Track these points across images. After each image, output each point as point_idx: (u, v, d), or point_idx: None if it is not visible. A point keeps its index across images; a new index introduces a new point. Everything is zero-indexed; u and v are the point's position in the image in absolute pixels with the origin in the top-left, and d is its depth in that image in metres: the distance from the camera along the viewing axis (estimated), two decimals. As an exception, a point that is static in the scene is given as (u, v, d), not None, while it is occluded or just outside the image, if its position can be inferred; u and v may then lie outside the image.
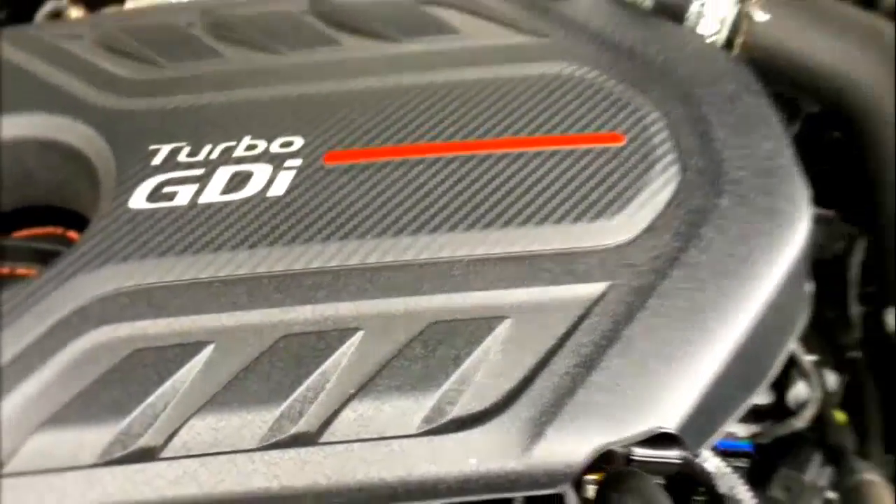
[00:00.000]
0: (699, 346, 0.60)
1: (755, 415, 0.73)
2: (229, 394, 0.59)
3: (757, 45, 0.83)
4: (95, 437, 0.58)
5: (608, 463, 0.60)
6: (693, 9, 0.85)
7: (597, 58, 0.76)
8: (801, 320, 0.68)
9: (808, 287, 0.69)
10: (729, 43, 0.84)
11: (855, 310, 0.78)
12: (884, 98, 0.76)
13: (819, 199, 0.76)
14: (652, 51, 0.77)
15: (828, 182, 0.79)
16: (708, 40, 0.83)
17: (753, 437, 0.72)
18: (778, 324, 0.65)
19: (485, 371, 0.60)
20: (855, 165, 0.79)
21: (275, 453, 0.58)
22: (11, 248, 0.76)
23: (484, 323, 0.61)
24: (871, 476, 0.63)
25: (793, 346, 0.69)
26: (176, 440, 0.58)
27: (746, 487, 0.63)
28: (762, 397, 0.73)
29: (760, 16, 0.83)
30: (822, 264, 0.78)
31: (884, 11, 0.86)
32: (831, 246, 0.81)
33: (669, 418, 0.58)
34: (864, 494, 0.61)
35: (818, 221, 0.76)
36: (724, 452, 0.69)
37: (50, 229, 0.77)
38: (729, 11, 0.83)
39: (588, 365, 0.59)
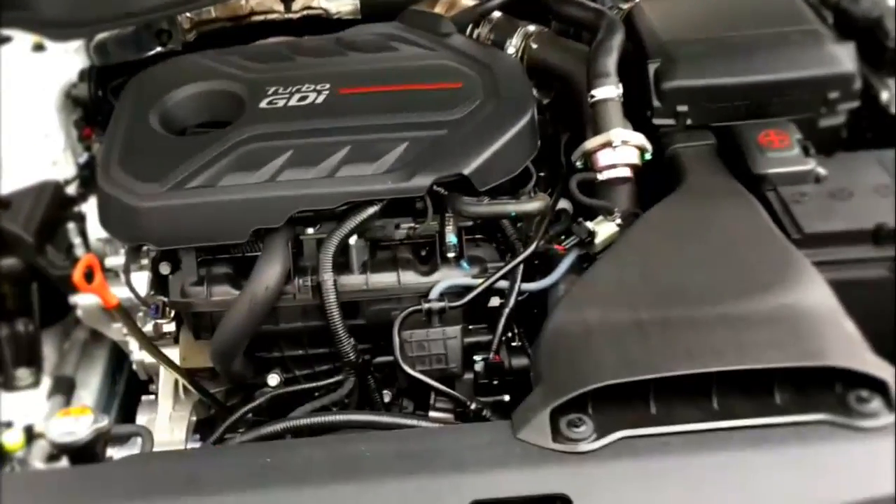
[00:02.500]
0: (481, 146, 1.57)
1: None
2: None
3: (531, 58, 1.86)
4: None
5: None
6: (507, 45, 1.88)
7: (459, 59, 1.78)
8: (533, 151, 1.65)
9: (538, 140, 1.67)
10: (521, 57, 1.87)
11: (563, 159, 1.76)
12: (582, 79, 1.75)
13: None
14: (484, 57, 1.79)
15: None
16: (510, 54, 1.86)
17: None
18: (520, 147, 1.62)
19: (400, 154, 1.57)
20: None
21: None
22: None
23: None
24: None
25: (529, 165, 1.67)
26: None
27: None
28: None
29: (533, 46, 1.86)
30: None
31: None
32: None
33: (465, 171, 1.55)
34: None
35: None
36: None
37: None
38: (519, 45, 1.87)
39: (433, 149, 1.57)
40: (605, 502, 1.15)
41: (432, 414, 1.55)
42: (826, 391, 1.21)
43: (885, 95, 1.72)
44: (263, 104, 1.69)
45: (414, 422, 1.39)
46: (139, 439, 1.41)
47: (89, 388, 1.89)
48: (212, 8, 2.13)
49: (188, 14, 2.12)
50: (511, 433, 1.21)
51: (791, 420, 1.19)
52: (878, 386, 1.19)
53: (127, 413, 1.92)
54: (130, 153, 1.63)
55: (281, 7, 2.16)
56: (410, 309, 1.51)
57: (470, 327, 1.60)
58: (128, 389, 1.98)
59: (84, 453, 1.28)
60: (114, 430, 1.32)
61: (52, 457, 1.37)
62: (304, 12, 2.19)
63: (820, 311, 1.29)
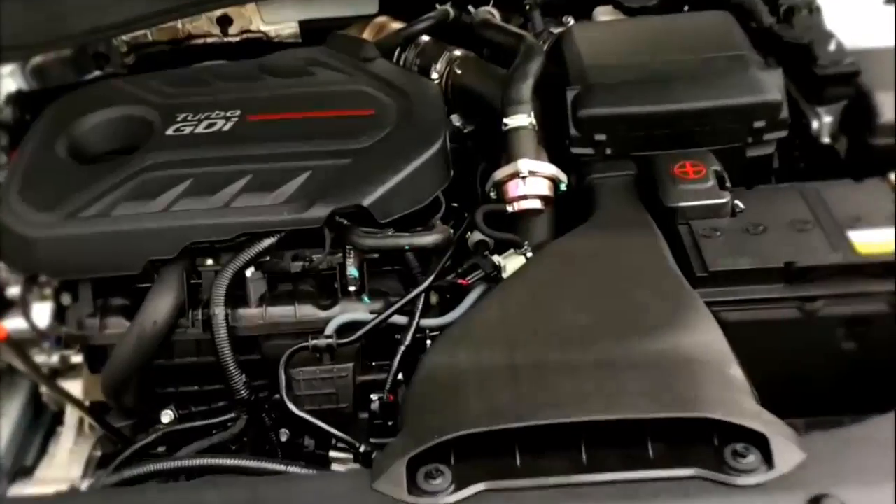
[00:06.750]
0: (384, 176, 1.52)
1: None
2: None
3: (455, 84, 1.80)
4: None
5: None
6: (431, 70, 1.83)
7: (376, 85, 1.72)
8: (444, 181, 1.60)
9: (450, 170, 1.61)
10: (445, 82, 1.81)
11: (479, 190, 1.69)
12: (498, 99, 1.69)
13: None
14: (403, 84, 1.74)
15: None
16: (434, 79, 1.80)
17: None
18: (428, 177, 1.57)
19: (301, 183, 1.52)
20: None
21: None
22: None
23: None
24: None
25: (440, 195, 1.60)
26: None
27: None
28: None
29: (457, 71, 1.80)
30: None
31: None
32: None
33: (365, 202, 1.50)
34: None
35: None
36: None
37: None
38: (443, 70, 1.81)
39: (336, 178, 1.51)
40: (451, 561, 1.08)
41: (332, 454, 1.49)
42: (702, 444, 1.13)
43: (815, 124, 1.63)
44: (170, 131, 1.65)
45: (280, 467, 1.33)
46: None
47: (9, 417, 1.85)
48: (148, 31, 2.10)
49: (124, 38, 2.09)
50: (368, 483, 1.14)
51: (662, 475, 1.11)
52: (756, 439, 1.11)
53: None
54: (31, 182, 1.60)
55: (217, 30, 2.13)
56: (297, 346, 1.45)
57: (373, 363, 1.55)
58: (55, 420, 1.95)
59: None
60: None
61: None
62: (244, 36, 2.15)
63: (704, 357, 1.21)
